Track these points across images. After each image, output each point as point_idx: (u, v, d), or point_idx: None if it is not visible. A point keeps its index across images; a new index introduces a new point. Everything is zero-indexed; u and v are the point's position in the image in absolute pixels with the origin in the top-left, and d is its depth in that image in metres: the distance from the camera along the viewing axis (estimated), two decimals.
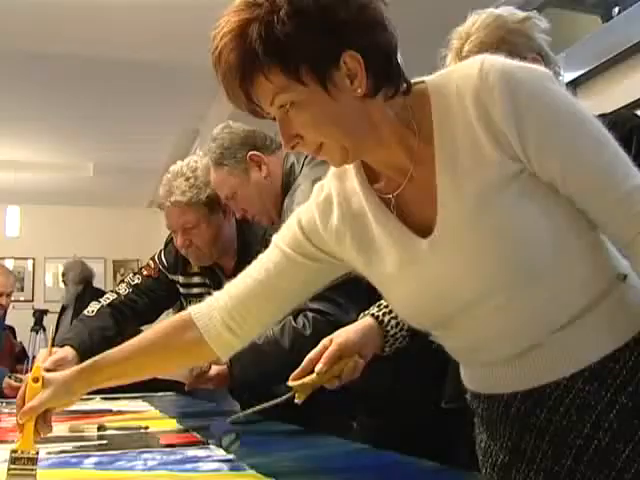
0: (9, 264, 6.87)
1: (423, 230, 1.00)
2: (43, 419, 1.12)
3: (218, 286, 1.93)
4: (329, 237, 1.11)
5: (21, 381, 2.25)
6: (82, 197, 7.85)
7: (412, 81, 1.00)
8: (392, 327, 1.37)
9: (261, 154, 1.90)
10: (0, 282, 4.02)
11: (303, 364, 1.28)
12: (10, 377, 2.38)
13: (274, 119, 0.98)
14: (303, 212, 1.15)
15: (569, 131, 0.94)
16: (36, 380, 1.11)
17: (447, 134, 0.97)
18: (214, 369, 1.89)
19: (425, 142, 0.98)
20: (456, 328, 1.04)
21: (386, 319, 1.37)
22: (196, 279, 2.26)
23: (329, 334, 1.36)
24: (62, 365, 2.04)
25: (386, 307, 1.38)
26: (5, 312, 4.23)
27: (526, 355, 1.00)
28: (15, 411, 1.12)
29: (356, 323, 1.37)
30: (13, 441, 1.54)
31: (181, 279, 2.28)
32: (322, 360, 1.26)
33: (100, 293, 3.72)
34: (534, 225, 0.95)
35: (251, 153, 1.90)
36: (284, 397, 1.28)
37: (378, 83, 0.95)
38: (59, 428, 1.76)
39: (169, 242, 2.28)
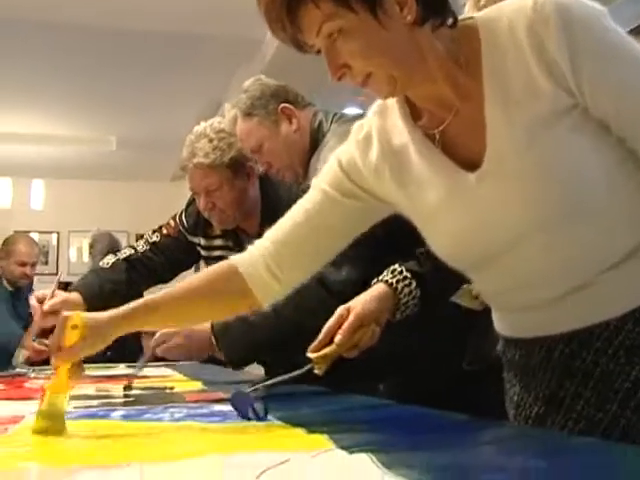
0: (34, 238, 6.92)
1: (469, 165, 0.99)
2: (77, 362, 1.11)
3: (240, 249, 1.91)
4: (368, 173, 1.10)
5: (46, 346, 2.25)
6: (105, 171, 7.88)
7: (460, 17, 0.99)
8: (405, 295, 1.39)
9: (293, 107, 1.89)
10: (24, 252, 4.06)
11: (321, 335, 1.28)
12: (34, 340, 2.38)
13: (317, 52, 0.97)
14: (342, 152, 1.15)
15: (624, 65, 0.92)
16: (75, 327, 1.09)
17: (497, 68, 0.95)
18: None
19: (472, 77, 0.97)
20: (500, 268, 1.02)
21: (399, 286, 1.38)
22: (218, 242, 2.25)
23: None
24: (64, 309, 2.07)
25: (400, 274, 1.39)
26: (31, 282, 4.26)
27: (573, 295, 0.98)
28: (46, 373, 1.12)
29: (370, 290, 1.37)
30: (37, 398, 1.56)
31: (202, 241, 2.27)
32: (341, 331, 1.27)
33: None
34: (585, 160, 0.93)
35: (283, 106, 1.87)
36: (304, 368, 1.27)
37: (426, 12, 0.94)
38: (85, 389, 1.79)
39: (190, 203, 2.26)
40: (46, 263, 7.94)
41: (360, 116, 1.69)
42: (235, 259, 1.19)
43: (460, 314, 1.61)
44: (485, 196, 0.97)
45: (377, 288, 1.37)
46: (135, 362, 2.66)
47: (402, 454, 0.79)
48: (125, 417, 1.21)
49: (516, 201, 0.96)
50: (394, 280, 1.38)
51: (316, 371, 1.26)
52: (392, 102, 1.08)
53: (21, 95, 5.73)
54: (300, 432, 0.97)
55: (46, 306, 2.03)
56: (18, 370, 2.46)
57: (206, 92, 5.56)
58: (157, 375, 2.22)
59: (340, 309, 1.30)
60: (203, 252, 2.28)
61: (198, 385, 1.85)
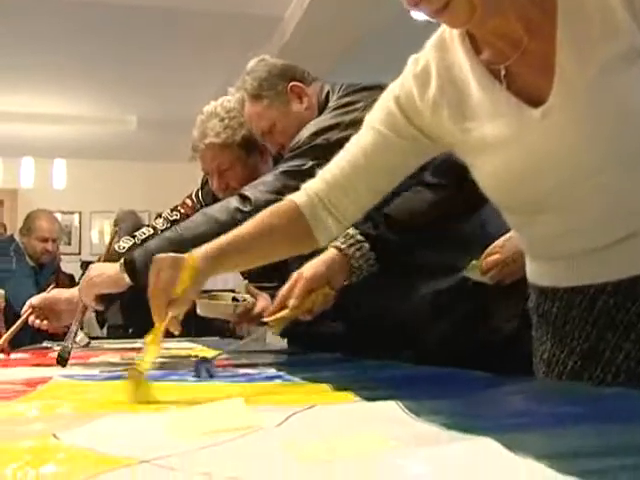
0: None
1: (532, 101, 0.97)
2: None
3: None
4: (425, 108, 1.09)
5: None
6: (126, 151, 7.89)
7: None
8: (356, 259, 1.42)
9: (302, 85, 1.85)
10: (45, 228, 4.09)
11: (276, 301, 1.33)
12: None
13: None
14: (398, 87, 1.12)
15: None
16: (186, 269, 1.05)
17: (575, 5, 0.93)
18: (259, 307, 1.89)
19: (546, 14, 0.95)
20: (550, 211, 1.00)
21: (350, 251, 1.41)
22: None
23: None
24: (56, 304, 1.95)
25: (351, 238, 1.42)
26: (54, 258, 4.29)
27: (624, 243, 0.96)
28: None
29: (321, 256, 1.39)
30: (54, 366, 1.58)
31: None
32: (294, 294, 1.29)
33: None
34: None
35: (292, 84, 1.83)
36: (260, 329, 1.31)
37: None
38: (110, 357, 1.81)
39: (205, 183, 2.23)
40: (69, 243, 7.99)
41: (369, 88, 1.68)
42: (295, 200, 1.17)
43: (472, 288, 1.61)
44: (549, 133, 0.95)
45: (328, 253, 1.39)
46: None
47: (428, 402, 0.78)
48: (151, 378, 1.22)
49: (579, 139, 0.94)
50: (345, 245, 1.41)
51: (272, 332, 1.30)
52: (452, 35, 1.06)
53: (42, 75, 5.74)
54: (326, 387, 0.97)
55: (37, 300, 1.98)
56: (45, 344, 2.48)
57: (227, 71, 5.54)
58: (181, 347, 2.23)
59: (294, 275, 1.33)
60: None
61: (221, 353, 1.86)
